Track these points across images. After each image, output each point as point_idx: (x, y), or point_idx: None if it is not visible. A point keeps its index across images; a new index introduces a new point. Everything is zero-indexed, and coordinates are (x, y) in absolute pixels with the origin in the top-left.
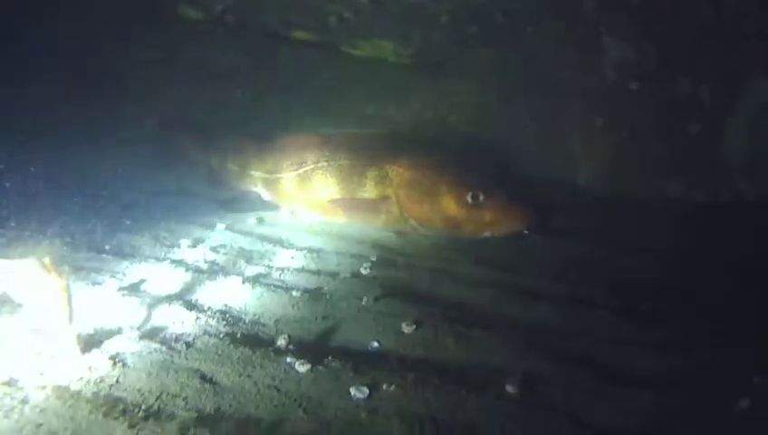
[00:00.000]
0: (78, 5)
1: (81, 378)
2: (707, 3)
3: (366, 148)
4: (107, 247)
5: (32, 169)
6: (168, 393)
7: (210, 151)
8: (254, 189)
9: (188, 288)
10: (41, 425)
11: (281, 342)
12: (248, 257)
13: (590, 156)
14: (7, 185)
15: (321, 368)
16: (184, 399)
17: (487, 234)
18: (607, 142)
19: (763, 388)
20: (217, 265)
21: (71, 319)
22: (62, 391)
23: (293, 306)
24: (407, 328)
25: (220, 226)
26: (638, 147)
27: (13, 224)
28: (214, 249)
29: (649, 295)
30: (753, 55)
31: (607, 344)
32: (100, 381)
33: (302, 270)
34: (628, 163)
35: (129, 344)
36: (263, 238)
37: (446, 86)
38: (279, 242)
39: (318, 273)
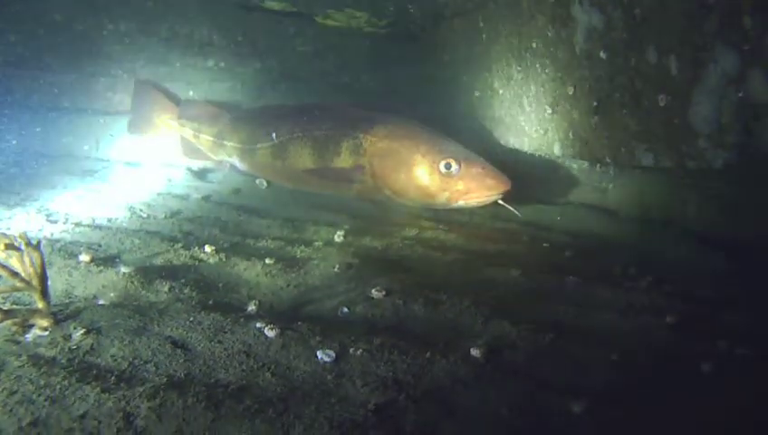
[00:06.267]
0: None
1: (57, 346)
2: None
3: (340, 118)
4: (77, 217)
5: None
6: (140, 359)
7: (184, 121)
8: (229, 160)
9: (163, 258)
10: (15, 392)
11: (251, 308)
12: (223, 227)
13: (561, 125)
14: None
15: (290, 333)
16: (155, 364)
17: (461, 202)
18: (578, 111)
19: (727, 353)
20: (192, 235)
21: (45, 289)
22: (37, 359)
23: (267, 274)
24: (376, 294)
25: (196, 196)
26: (608, 115)
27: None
28: (189, 220)
29: (621, 261)
30: (718, 24)
31: (575, 308)
32: (75, 348)
33: (276, 239)
34: (598, 132)
35: (103, 313)
36: (238, 208)
37: (421, 56)
38: (254, 212)
39: (292, 242)
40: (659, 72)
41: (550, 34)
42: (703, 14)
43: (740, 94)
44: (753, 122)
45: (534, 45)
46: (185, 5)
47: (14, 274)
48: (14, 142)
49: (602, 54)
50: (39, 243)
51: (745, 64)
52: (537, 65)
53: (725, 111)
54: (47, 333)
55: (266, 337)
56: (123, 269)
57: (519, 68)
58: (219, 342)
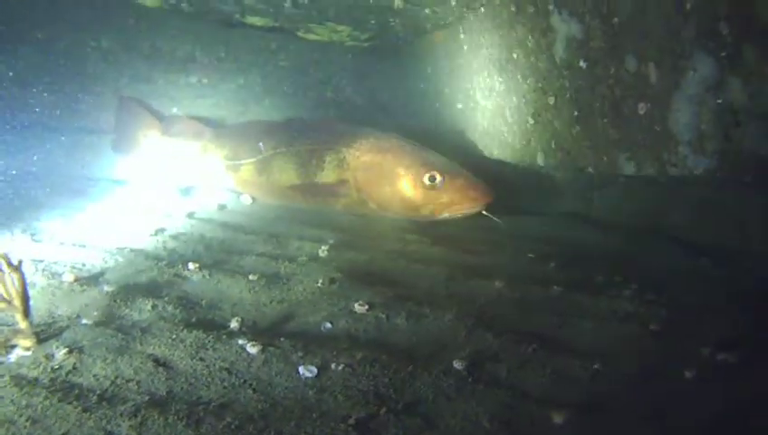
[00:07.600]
0: None
1: (39, 366)
2: None
3: (323, 132)
4: (62, 236)
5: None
6: (122, 378)
7: (168, 137)
8: (214, 176)
9: (147, 276)
10: None
11: (234, 325)
12: (208, 244)
13: (543, 135)
14: None
15: (272, 349)
16: (137, 383)
17: (446, 215)
18: (559, 121)
19: (710, 359)
20: (177, 252)
21: (27, 310)
22: (19, 380)
23: (250, 291)
24: (359, 308)
25: (180, 213)
26: (589, 125)
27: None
28: (174, 237)
29: (604, 269)
30: (695, 32)
31: (559, 318)
32: (58, 368)
33: (261, 255)
34: (580, 141)
35: (86, 332)
36: (223, 225)
37: (403, 69)
38: (239, 228)
39: (276, 257)
40: (639, 81)
41: (530, 45)
42: (680, 22)
43: (719, 101)
44: (732, 128)
45: (515, 56)
46: (167, 23)
47: None
48: (1, 162)
49: (582, 64)
50: (20, 263)
51: (723, 71)
52: (518, 76)
53: (705, 117)
54: (30, 353)
55: (248, 354)
56: (106, 288)
57: (500, 79)
58: (201, 359)
